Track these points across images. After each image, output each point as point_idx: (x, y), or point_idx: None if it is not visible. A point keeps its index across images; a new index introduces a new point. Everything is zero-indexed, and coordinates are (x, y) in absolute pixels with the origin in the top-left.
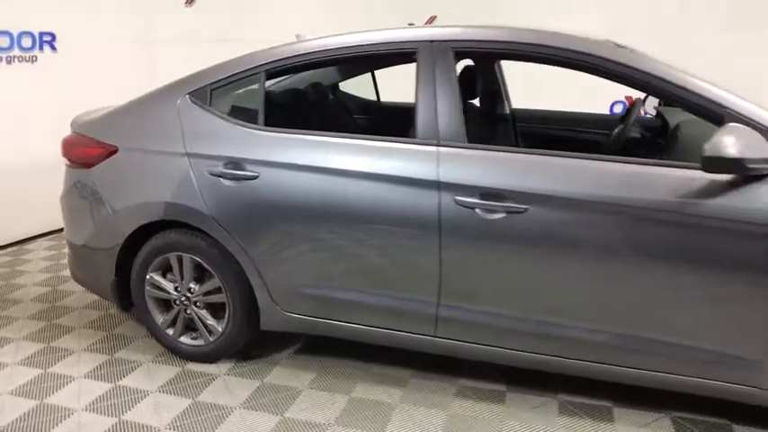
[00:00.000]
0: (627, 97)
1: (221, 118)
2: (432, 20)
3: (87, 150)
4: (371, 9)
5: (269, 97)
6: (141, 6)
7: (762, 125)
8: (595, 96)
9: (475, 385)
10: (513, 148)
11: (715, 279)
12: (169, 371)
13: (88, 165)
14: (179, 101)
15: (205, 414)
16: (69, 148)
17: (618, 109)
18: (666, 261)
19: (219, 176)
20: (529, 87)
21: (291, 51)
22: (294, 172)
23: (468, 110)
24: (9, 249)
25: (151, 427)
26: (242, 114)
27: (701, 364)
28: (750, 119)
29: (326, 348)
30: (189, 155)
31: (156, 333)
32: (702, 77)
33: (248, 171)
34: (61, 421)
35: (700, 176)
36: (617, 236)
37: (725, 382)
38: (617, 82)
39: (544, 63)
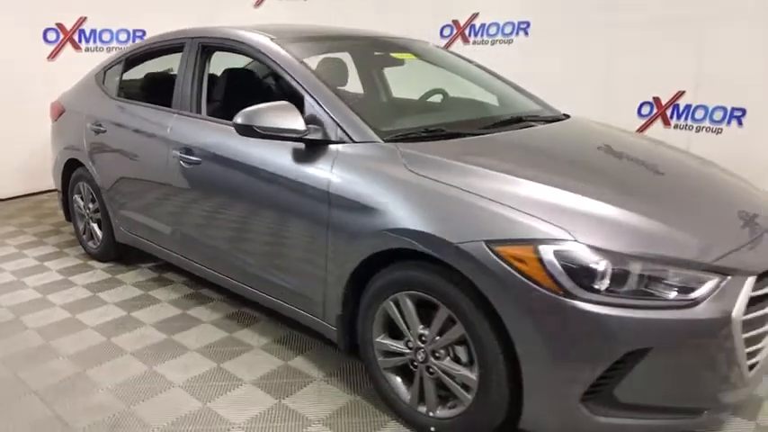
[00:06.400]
0: (654, 98)
1: (101, 89)
2: (474, 17)
3: (56, 110)
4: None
5: (124, 77)
6: (213, 7)
7: (324, 108)
8: (622, 98)
9: None
10: (206, 117)
11: (283, 228)
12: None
13: (55, 119)
14: (90, 78)
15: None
16: (51, 108)
17: (646, 110)
18: (257, 208)
19: (92, 131)
20: (550, 89)
21: (133, 46)
22: (116, 127)
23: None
24: None
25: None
26: (110, 88)
27: (288, 293)
28: (317, 99)
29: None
30: (85, 115)
31: (79, 238)
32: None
33: (102, 127)
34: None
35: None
36: (234, 186)
37: (302, 311)
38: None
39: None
